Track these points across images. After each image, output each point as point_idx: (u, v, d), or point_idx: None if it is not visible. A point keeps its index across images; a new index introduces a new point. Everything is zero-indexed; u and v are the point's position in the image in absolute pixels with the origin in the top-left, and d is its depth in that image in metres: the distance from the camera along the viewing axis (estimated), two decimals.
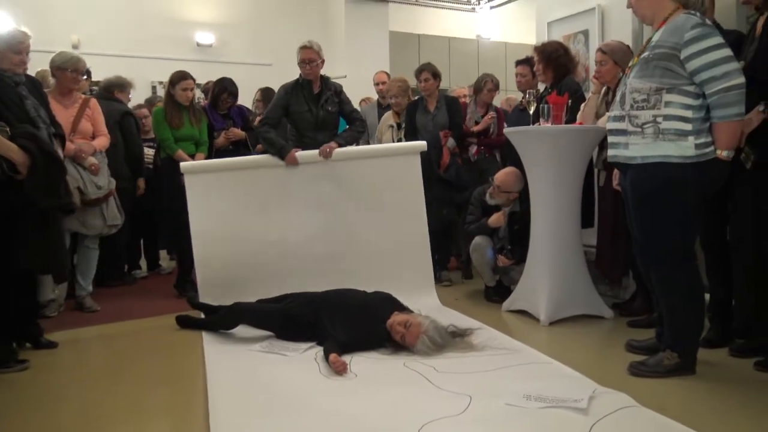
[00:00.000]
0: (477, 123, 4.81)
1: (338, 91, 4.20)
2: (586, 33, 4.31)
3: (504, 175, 3.93)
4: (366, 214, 3.99)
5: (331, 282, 3.53)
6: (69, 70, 3.77)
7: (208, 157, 4.36)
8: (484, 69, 9.53)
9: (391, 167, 4.04)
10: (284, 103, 4.08)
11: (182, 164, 3.99)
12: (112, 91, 4.76)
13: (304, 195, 3.95)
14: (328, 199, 3.96)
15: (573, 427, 2.01)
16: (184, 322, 3.52)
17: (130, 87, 5.05)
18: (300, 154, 3.95)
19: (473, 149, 4.80)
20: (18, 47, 3.06)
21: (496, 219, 3.95)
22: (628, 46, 3.55)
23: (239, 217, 3.88)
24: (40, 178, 2.84)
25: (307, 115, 4.08)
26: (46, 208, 2.92)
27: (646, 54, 2.54)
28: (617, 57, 3.41)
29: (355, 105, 6.65)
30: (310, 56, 4.01)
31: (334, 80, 4.28)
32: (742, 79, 2.36)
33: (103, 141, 3.96)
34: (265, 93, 5.36)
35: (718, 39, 2.39)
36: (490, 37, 10.14)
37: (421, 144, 4.13)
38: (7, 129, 2.80)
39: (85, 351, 3.28)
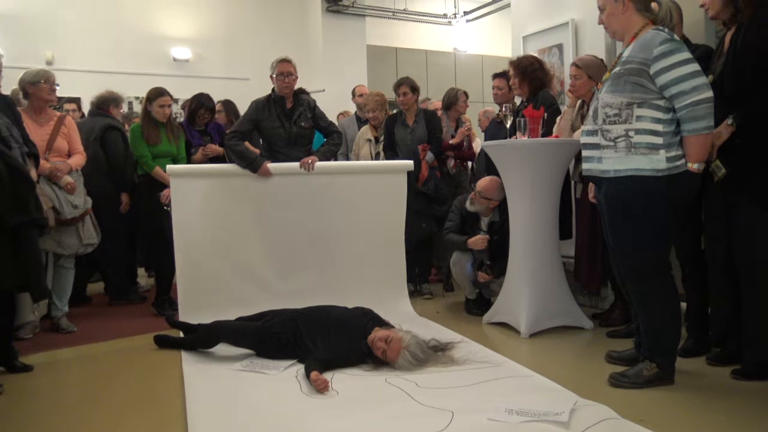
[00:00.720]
0: (453, 137, 4.87)
1: (312, 106, 4.20)
2: (560, 47, 4.38)
3: (487, 181, 3.94)
4: (348, 229, 4.04)
5: (311, 296, 3.60)
6: (42, 81, 3.71)
7: None
8: (462, 81, 9.72)
9: (377, 184, 4.12)
10: (254, 118, 4.07)
11: (169, 167, 3.96)
12: (107, 107, 4.71)
13: (288, 207, 3.97)
14: (312, 214, 4.00)
15: None
16: (163, 342, 3.47)
17: (122, 101, 5.01)
18: (280, 166, 3.96)
19: (451, 162, 4.86)
20: None
21: (476, 242, 3.95)
22: (601, 60, 3.61)
23: (223, 224, 3.91)
24: (7, 194, 2.79)
25: (279, 131, 4.07)
26: (16, 225, 2.86)
27: (617, 69, 2.59)
28: (591, 71, 3.47)
29: (333, 119, 6.72)
30: (288, 69, 4.01)
31: (308, 95, 4.30)
32: (710, 93, 2.41)
33: (78, 159, 3.91)
34: (227, 105, 5.31)
35: (686, 54, 2.44)
36: (466, 50, 10.25)
37: (408, 164, 4.21)
38: None
39: (62, 374, 3.21)
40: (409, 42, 9.77)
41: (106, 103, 4.74)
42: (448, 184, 4.73)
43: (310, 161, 3.96)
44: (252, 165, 3.89)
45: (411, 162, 4.23)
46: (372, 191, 4.10)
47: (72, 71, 7.18)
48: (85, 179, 3.98)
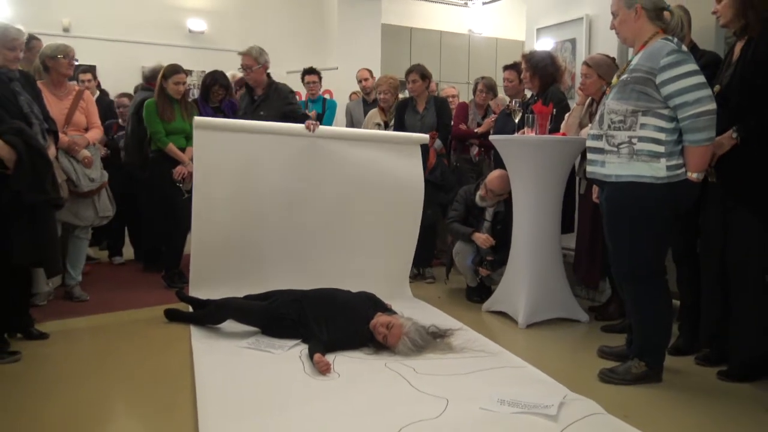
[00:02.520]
0: (479, 125, 4.90)
1: (284, 95, 4.28)
2: (573, 42, 4.41)
3: (497, 179, 3.99)
4: (361, 204, 4.01)
5: (318, 276, 3.66)
6: (61, 56, 3.79)
7: None
8: (475, 64, 9.72)
9: (393, 156, 4.07)
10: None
11: (196, 118, 3.92)
12: (154, 80, 4.62)
13: (303, 179, 3.91)
14: (326, 185, 3.95)
15: None
16: (173, 316, 3.60)
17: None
18: (285, 126, 3.95)
19: (474, 150, 4.90)
20: (12, 44, 3.09)
21: (482, 239, 4.03)
22: (613, 60, 3.64)
23: (241, 189, 3.85)
24: (26, 173, 2.86)
25: (246, 117, 4.22)
26: (33, 203, 2.95)
27: (624, 77, 2.65)
28: (602, 71, 3.51)
29: (345, 98, 6.77)
30: (246, 63, 4.20)
31: (284, 85, 4.34)
32: (713, 106, 2.47)
33: (96, 133, 4.01)
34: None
35: (693, 66, 2.50)
36: (481, 32, 10.20)
37: (423, 137, 4.22)
38: None
39: (75, 343, 3.34)
40: (424, 22, 9.74)
41: (154, 77, 4.66)
42: (472, 171, 4.78)
43: (313, 123, 3.94)
44: None
45: (426, 135, 4.25)
46: (388, 162, 4.04)
47: (88, 39, 7.23)
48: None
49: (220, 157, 3.82)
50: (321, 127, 4.00)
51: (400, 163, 4.08)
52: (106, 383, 2.74)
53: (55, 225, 3.26)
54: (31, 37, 4.21)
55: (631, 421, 2.26)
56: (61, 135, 3.61)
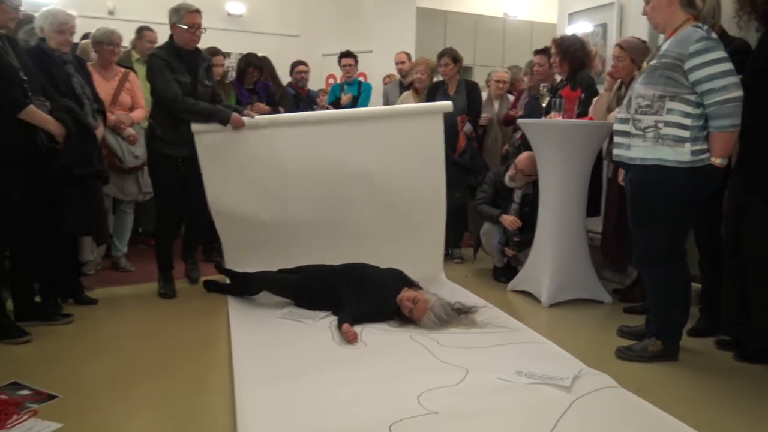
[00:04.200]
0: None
1: (210, 66, 3.85)
2: (604, 26, 4.42)
3: (527, 159, 4.04)
4: (385, 180, 3.91)
5: (346, 251, 3.71)
6: (105, 43, 4.00)
7: None
8: (510, 48, 9.69)
9: (413, 129, 3.93)
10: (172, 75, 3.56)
11: (192, 125, 3.63)
12: None
13: (321, 159, 3.83)
14: (347, 165, 3.86)
15: (556, 402, 2.25)
16: (211, 287, 3.81)
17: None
18: (266, 118, 3.82)
19: (518, 134, 4.96)
20: (60, 27, 3.26)
21: (509, 221, 4.10)
22: (645, 44, 3.64)
23: (253, 181, 3.81)
24: (75, 147, 3.04)
25: (187, 87, 3.59)
26: (81, 176, 3.13)
27: (653, 62, 2.70)
28: (635, 55, 3.51)
29: (379, 81, 6.86)
30: (199, 22, 3.61)
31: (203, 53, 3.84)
32: (739, 93, 2.51)
33: (140, 113, 4.20)
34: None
35: (721, 53, 2.54)
36: (517, 15, 10.14)
37: (446, 104, 4.03)
38: (47, 104, 3.01)
39: (120, 309, 3.58)
40: (459, 5, 9.72)
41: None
42: (515, 155, 4.83)
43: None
44: (221, 117, 3.60)
45: (449, 103, 4.06)
46: (408, 136, 3.91)
47: (132, 21, 7.42)
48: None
49: (226, 156, 3.72)
50: (340, 111, 3.93)
51: (420, 135, 3.92)
52: (148, 346, 2.96)
53: (102, 197, 3.48)
54: (143, 28, 4.47)
55: (644, 395, 2.34)
56: (107, 114, 3.81)
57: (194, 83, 3.63)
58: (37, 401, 2.28)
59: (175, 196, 3.71)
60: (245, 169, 3.78)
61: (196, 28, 3.57)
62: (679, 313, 2.79)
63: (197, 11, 3.62)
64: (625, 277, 4.19)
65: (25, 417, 2.15)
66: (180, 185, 3.71)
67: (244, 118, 3.71)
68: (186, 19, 3.55)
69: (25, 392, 2.35)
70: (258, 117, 3.85)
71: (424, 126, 3.95)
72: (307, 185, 3.87)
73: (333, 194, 3.90)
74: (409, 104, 4.30)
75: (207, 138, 3.67)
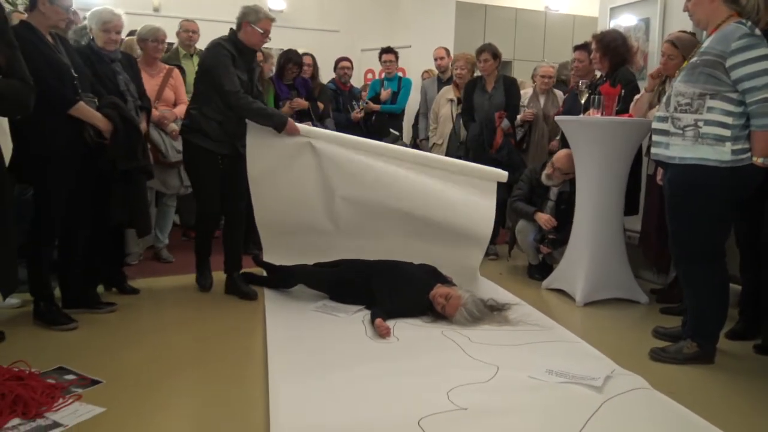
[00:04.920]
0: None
1: (260, 70, 3.91)
2: (647, 21, 4.33)
3: (564, 157, 4.02)
4: (435, 209, 3.81)
5: (383, 251, 3.69)
6: (150, 40, 4.13)
7: None
8: (551, 42, 9.54)
9: (468, 182, 3.89)
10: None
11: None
12: None
13: (370, 181, 3.80)
14: (396, 188, 3.81)
15: (586, 402, 2.24)
16: (248, 279, 3.89)
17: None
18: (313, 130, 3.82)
19: None
20: (106, 26, 3.34)
21: (544, 219, 4.08)
22: (695, 36, 3.48)
23: (301, 185, 3.81)
24: (121, 142, 3.14)
25: (246, 86, 3.57)
26: (126, 170, 3.23)
27: (694, 59, 2.65)
28: (687, 52, 3.38)
29: (417, 76, 6.87)
30: (270, 29, 3.60)
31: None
32: None
33: (183, 109, 4.30)
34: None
35: (764, 50, 2.48)
36: (558, 9, 9.98)
37: (502, 174, 3.95)
38: (95, 100, 3.12)
39: (161, 299, 3.69)
40: None
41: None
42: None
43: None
44: (278, 122, 3.59)
45: (506, 173, 3.97)
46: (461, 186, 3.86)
47: (176, 18, 7.60)
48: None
49: (279, 150, 3.72)
50: (397, 148, 3.91)
51: (472, 198, 3.85)
52: (187, 335, 3.06)
53: (146, 190, 3.59)
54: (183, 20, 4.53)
55: (677, 398, 2.31)
56: (152, 110, 3.93)
57: (250, 83, 3.63)
58: (81, 386, 2.38)
59: (216, 191, 3.70)
60: (293, 170, 3.76)
61: (267, 34, 3.59)
62: (716, 315, 2.74)
63: (273, 20, 3.65)
64: (666, 277, 4.11)
65: (70, 401, 2.25)
66: (220, 182, 3.70)
67: (299, 126, 3.72)
68: (262, 24, 3.55)
69: (71, 377, 2.46)
70: (312, 128, 3.88)
71: (478, 184, 3.90)
72: (354, 194, 3.82)
73: (378, 208, 3.83)
74: (466, 163, 4.11)
75: (259, 133, 3.66)
